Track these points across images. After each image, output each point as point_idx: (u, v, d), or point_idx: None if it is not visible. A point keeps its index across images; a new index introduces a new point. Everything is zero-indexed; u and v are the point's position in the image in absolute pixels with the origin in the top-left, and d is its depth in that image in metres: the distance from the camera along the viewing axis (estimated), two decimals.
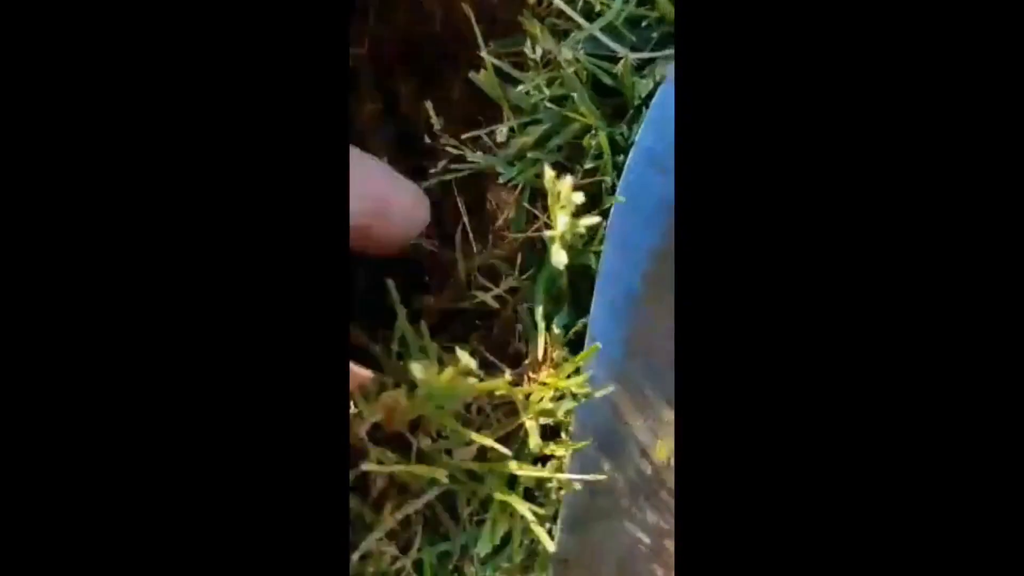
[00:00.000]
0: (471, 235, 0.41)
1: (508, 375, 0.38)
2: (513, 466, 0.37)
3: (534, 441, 0.37)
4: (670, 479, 0.40)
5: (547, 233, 0.36)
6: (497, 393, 0.38)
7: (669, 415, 0.39)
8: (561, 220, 0.35)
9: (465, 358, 0.35)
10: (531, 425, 0.37)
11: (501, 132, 0.39)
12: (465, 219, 0.41)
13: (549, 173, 0.35)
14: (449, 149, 0.41)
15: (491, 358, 0.41)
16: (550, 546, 0.35)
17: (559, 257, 0.35)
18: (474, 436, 0.36)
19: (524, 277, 0.40)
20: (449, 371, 0.36)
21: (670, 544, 0.40)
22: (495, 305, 0.41)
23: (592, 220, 0.36)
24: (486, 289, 0.41)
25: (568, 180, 0.35)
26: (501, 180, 0.40)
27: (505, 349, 0.41)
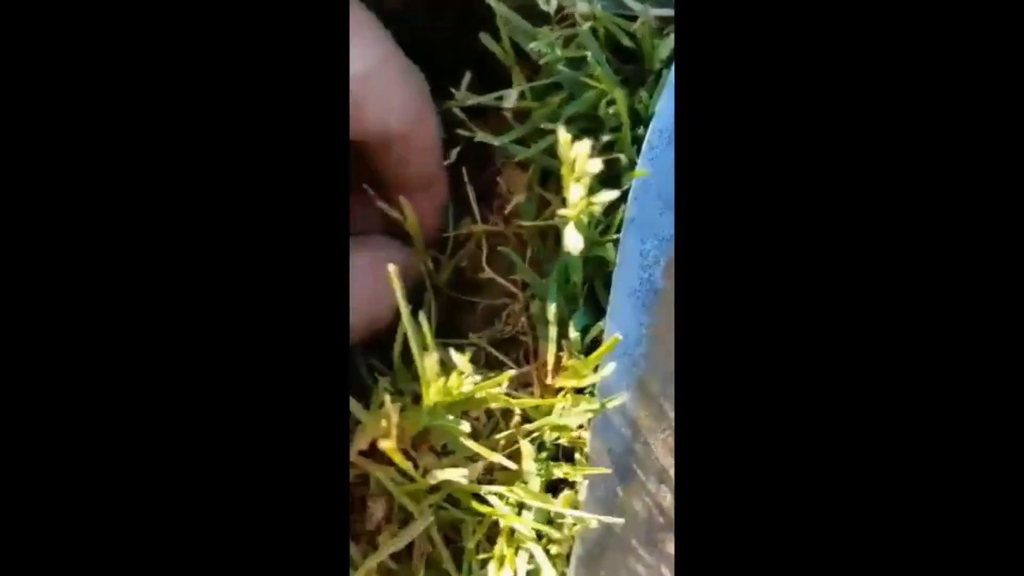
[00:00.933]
0: (478, 220, 0.37)
1: (504, 380, 0.33)
2: (521, 492, 0.32)
3: (527, 464, 0.32)
4: None
5: (560, 212, 0.31)
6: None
7: None
8: (574, 192, 0.29)
9: (463, 363, 0.31)
10: (525, 445, 0.32)
11: (511, 97, 0.34)
12: (474, 204, 0.36)
13: (564, 137, 0.29)
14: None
15: (501, 357, 0.36)
16: None
17: (573, 241, 0.30)
18: (480, 450, 0.31)
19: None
20: (454, 376, 0.31)
21: None
22: (512, 290, 0.36)
23: (610, 195, 0.31)
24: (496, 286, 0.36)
25: (586, 145, 0.29)
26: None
27: (515, 350, 0.37)
